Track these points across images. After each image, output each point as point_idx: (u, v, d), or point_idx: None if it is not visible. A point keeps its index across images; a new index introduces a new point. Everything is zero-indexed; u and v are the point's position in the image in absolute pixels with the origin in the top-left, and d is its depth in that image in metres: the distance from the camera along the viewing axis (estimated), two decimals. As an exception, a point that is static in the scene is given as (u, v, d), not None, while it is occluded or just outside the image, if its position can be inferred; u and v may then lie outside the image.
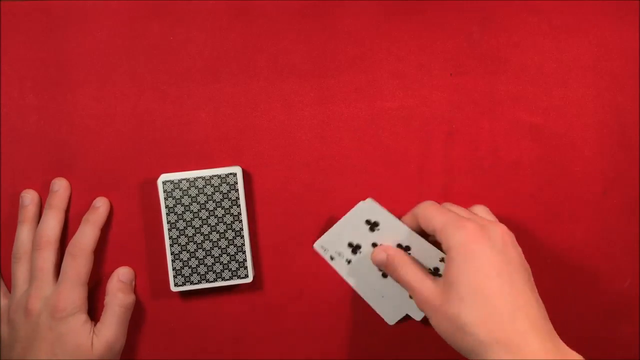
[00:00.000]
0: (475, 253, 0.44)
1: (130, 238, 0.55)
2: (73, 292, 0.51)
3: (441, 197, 0.55)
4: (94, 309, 0.54)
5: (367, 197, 0.52)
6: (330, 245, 0.52)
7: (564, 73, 0.56)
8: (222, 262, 0.53)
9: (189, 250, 0.53)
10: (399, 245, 0.50)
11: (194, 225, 0.53)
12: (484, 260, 0.44)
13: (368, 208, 0.51)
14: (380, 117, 0.56)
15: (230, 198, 0.53)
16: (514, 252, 0.46)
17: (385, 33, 0.56)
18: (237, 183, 0.53)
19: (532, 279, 0.46)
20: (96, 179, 0.55)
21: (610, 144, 0.56)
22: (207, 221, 0.53)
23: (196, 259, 0.53)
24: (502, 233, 0.46)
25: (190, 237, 0.53)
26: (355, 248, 0.52)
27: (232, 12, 0.55)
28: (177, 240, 0.53)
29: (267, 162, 0.55)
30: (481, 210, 0.50)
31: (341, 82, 0.55)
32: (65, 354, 0.50)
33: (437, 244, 0.49)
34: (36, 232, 0.53)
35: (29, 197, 0.54)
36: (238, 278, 0.53)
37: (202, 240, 0.53)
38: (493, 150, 0.56)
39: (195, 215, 0.53)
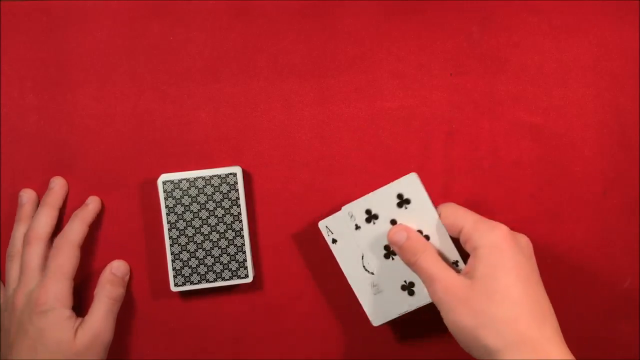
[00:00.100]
0: (508, 254, 0.45)
1: (130, 238, 0.55)
2: (55, 286, 0.50)
3: (441, 197, 0.55)
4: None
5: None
6: (337, 225, 0.50)
7: (564, 73, 0.56)
8: (222, 262, 0.53)
9: (189, 250, 0.53)
10: (419, 232, 0.49)
11: (194, 225, 0.53)
12: (515, 263, 0.45)
13: (408, 183, 0.49)
14: (380, 117, 0.56)
15: (230, 198, 0.53)
16: (535, 262, 0.47)
17: (385, 33, 0.56)
18: (237, 183, 0.53)
19: None
20: (96, 179, 0.55)
21: (610, 144, 0.56)
22: (207, 221, 0.53)
23: (196, 259, 0.53)
24: (527, 242, 0.48)
25: (190, 237, 0.53)
26: (371, 217, 0.49)
27: (232, 12, 0.55)
28: (177, 240, 0.53)
29: (267, 162, 0.55)
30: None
31: (341, 82, 0.55)
32: (45, 350, 0.48)
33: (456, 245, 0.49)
34: (28, 228, 0.53)
35: (26, 196, 0.54)
36: (238, 278, 0.53)
37: (202, 240, 0.53)
38: (493, 150, 0.56)
39: (196, 215, 0.53)
